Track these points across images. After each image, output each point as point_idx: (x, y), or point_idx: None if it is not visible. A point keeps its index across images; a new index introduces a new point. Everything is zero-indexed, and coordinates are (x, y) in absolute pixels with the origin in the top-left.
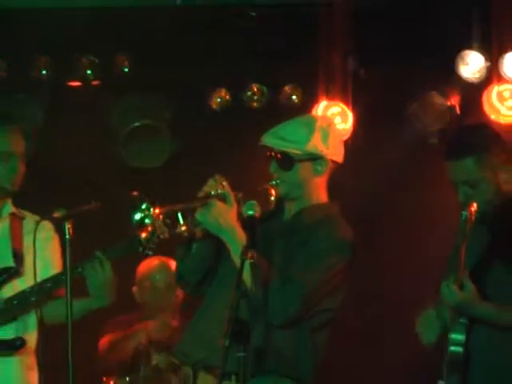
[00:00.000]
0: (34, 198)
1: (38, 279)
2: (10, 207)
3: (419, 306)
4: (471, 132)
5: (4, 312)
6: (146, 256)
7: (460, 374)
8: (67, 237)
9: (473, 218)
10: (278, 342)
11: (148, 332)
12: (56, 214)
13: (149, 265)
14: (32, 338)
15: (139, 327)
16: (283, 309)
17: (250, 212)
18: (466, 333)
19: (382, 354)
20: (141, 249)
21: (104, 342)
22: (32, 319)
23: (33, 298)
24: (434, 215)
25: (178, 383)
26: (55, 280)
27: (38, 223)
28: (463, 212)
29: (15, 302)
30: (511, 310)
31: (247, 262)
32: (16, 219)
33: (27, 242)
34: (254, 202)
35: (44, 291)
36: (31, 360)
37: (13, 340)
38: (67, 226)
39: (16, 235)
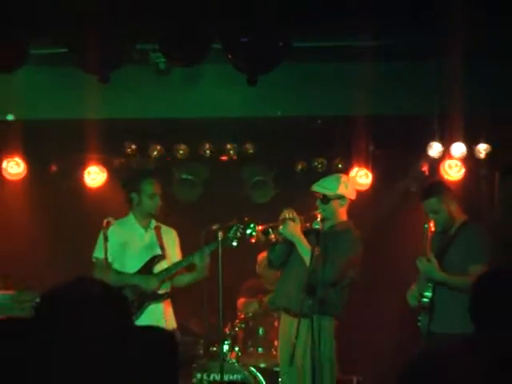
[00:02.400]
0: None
1: (172, 262)
2: (154, 223)
3: (408, 286)
4: (433, 184)
5: (162, 279)
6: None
7: (428, 315)
8: (219, 239)
9: (431, 228)
10: (328, 294)
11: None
12: (214, 227)
13: (264, 254)
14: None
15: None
16: (330, 277)
17: (316, 226)
18: (432, 291)
19: (385, 314)
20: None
21: (241, 301)
22: (169, 283)
23: (172, 271)
24: (413, 233)
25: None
26: (179, 263)
27: (171, 231)
28: (425, 225)
29: (164, 273)
30: (455, 278)
31: (315, 254)
32: (157, 229)
33: (166, 241)
34: (319, 220)
35: (175, 268)
36: (169, 304)
37: (162, 294)
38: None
39: (159, 237)
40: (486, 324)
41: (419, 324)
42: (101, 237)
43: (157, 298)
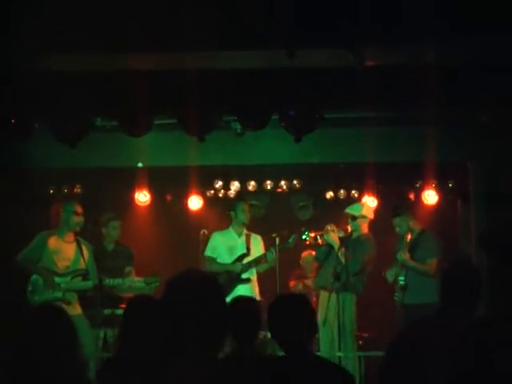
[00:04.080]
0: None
1: (253, 257)
2: (245, 231)
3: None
4: (397, 207)
5: (247, 268)
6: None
7: (403, 292)
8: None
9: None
10: (349, 280)
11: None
12: (283, 233)
13: (307, 252)
14: (253, 277)
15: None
16: (355, 269)
17: (340, 235)
18: (405, 275)
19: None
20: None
21: (292, 283)
22: (253, 271)
23: (252, 264)
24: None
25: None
26: (258, 257)
27: (256, 237)
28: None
29: (247, 265)
30: (420, 265)
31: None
32: (247, 236)
33: (252, 243)
34: (349, 231)
35: (255, 260)
36: (255, 285)
37: (246, 279)
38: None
39: (248, 241)
40: (449, 301)
41: (396, 299)
42: (209, 241)
43: (242, 281)
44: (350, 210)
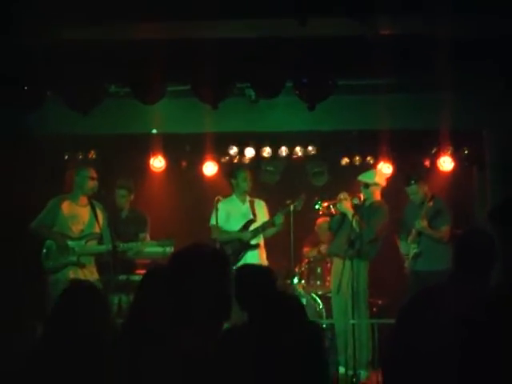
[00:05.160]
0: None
1: (261, 222)
2: (248, 198)
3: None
4: (410, 175)
5: (255, 234)
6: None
7: (415, 259)
8: (291, 208)
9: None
10: (362, 247)
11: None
12: (288, 202)
13: (323, 219)
14: (261, 241)
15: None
16: (369, 236)
17: (355, 202)
18: (418, 243)
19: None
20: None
21: (306, 249)
22: (259, 237)
23: (260, 228)
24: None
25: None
26: (265, 223)
27: (261, 202)
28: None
29: (254, 231)
30: (436, 233)
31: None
32: (251, 202)
33: (257, 209)
34: (362, 199)
35: (262, 226)
36: (263, 251)
37: (255, 244)
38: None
39: (252, 208)
40: (463, 267)
41: (406, 266)
42: (214, 210)
43: (251, 247)
44: (362, 178)
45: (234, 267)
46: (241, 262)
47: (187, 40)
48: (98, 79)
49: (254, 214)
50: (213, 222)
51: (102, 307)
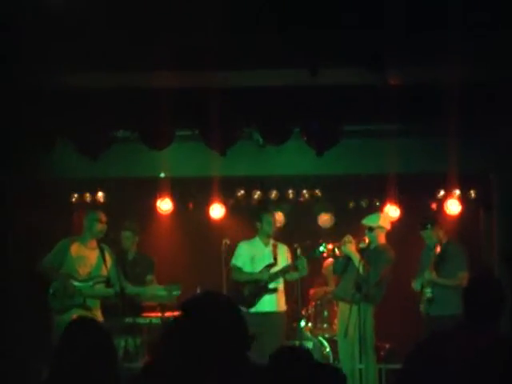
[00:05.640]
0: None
1: (281, 266)
2: (272, 241)
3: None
4: (425, 219)
5: (274, 277)
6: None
7: (429, 303)
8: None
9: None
10: (369, 291)
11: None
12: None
13: (327, 263)
14: (280, 287)
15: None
16: (374, 279)
17: (362, 246)
18: (432, 287)
19: (404, 304)
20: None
21: (312, 291)
22: (279, 281)
23: (279, 274)
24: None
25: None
26: (284, 267)
27: (283, 246)
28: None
29: (274, 275)
30: (450, 281)
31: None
32: (274, 245)
33: (279, 253)
34: (366, 242)
35: (282, 272)
36: (282, 294)
37: (273, 288)
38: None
39: (275, 251)
40: (470, 315)
41: (422, 310)
42: (236, 250)
43: (269, 291)
44: (366, 222)
45: (251, 310)
46: (257, 305)
47: (196, 88)
48: (108, 126)
49: (276, 258)
50: (234, 262)
51: (105, 342)
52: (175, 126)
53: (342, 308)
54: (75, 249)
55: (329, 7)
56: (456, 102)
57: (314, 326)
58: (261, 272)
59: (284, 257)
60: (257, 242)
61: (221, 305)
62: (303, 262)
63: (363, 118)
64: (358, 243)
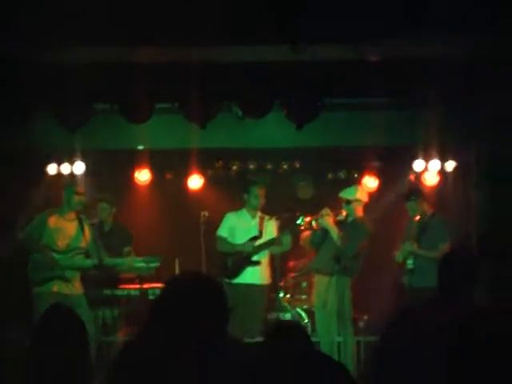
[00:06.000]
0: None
1: (266, 239)
2: (259, 214)
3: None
4: (411, 190)
5: (258, 250)
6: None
7: (410, 275)
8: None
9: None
10: (347, 263)
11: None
12: (284, 215)
13: (305, 235)
14: (264, 260)
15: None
16: (351, 252)
17: (340, 218)
18: (413, 259)
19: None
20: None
21: (291, 263)
22: (263, 254)
23: (263, 246)
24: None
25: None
26: (271, 241)
27: (270, 220)
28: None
29: (258, 247)
30: (431, 253)
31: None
32: (261, 218)
33: (265, 225)
34: (343, 215)
35: (266, 245)
36: (266, 267)
37: (256, 261)
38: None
39: (261, 224)
40: (444, 288)
41: (404, 281)
42: (223, 220)
43: (252, 263)
44: (343, 195)
45: (233, 280)
46: (240, 277)
47: (176, 62)
48: (88, 99)
49: (261, 231)
50: (219, 232)
51: (79, 337)
52: (155, 99)
53: (319, 280)
54: (54, 221)
55: None
56: (436, 74)
57: (292, 297)
58: (244, 244)
59: (270, 230)
60: (243, 213)
61: (201, 281)
62: (287, 238)
63: (342, 92)
64: (335, 216)
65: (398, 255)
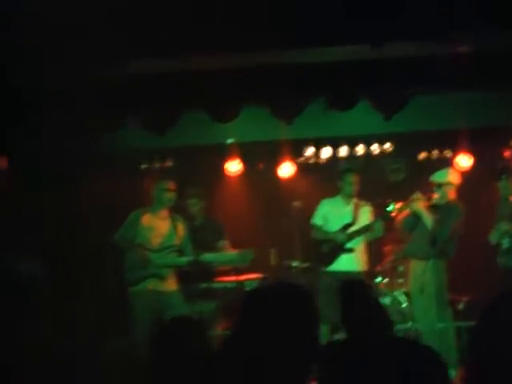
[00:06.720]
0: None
1: (359, 226)
2: (353, 200)
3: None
4: (502, 169)
5: (349, 238)
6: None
7: (506, 255)
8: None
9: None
10: (443, 246)
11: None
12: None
13: (400, 219)
14: (359, 246)
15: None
16: (446, 235)
17: (434, 202)
18: (509, 237)
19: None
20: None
21: (387, 248)
22: (358, 241)
23: (356, 234)
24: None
25: None
26: (364, 228)
27: (365, 206)
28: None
29: (351, 234)
30: None
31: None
32: (356, 205)
33: (360, 212)
34: (436, 198)
35: (359, 232)
36: (361, 254)
37: (351, 248)
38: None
39: (356, 211)
40: None
41: (499, 262)
42: (317, 208)
43: (346, 251)
44: (435, 178)
45: (328, 268)
46: (334, 264)
47: (263, 65)
48: (175, 106)
49: (355, 217)
50: (314, 220)
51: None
52: (242, 102)
53: (415, 265)
54: (146, 220)
55: None
56: None
57: (390, 281)
58: (337, 232)
59: (366, 217)
60: (338, 200)
61: (294, 298)
62: (379, 224)
63: (429, 87)
64: (427, 199)
65: (493, 235)
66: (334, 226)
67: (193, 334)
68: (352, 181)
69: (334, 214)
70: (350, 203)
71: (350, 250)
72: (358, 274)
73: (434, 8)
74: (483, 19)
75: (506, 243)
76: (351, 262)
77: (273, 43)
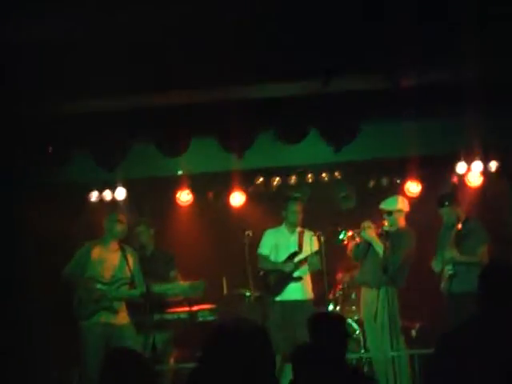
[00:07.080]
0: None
1: (304, 255)
2: (298, 229)
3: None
4: (444, 196)
5: (296, 267)
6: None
7: (450, 280)
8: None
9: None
10: (395, 273)
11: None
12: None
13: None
14: (306, 274)
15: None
16: (397, 262)
17: (386, 229)
18: (453, 265)
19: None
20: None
21: (339, 275)
22: (305, 270)
23: (303, 262)
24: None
25: None
26: (310, 255)
27: (309, 234)
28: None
29: (298, 263)
30: (471, 258)
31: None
32: (301, 233)
33: (305, 239)
34: (386, 226)
35: (307, 258)
36: (308, 282)
37: (298, 277)
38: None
39: (301, 239)
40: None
41: (443, 288)
42: (262, 238)
43: (294, 279)
44: (384, 206)
45: (277, 298)
46: (283, 294)
47: (212, 100)
48: (124, 140)
49: (300, 246)
50: (260, 250)
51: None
52: (191, 134)
53: (365, 293)
54: (97, 252)
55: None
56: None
57: (342, 309)
58: (284, 262)
59: (310, 245)
60: (282, 230)
61: (251, 332)
62: (315, 258)
63: (375, 116)
64: (378, 227)
65: (436, 262)
66: (281, 255)
67: (135, 365)
68: (295, 210)
69: (279, 243)
70: (294, 232)
71: (299, 279)
72: (307, 301)
73: (380, 43)
74: (425, 53)
75: (450, 269)
76: (299, 290)
77: (222, 79)
